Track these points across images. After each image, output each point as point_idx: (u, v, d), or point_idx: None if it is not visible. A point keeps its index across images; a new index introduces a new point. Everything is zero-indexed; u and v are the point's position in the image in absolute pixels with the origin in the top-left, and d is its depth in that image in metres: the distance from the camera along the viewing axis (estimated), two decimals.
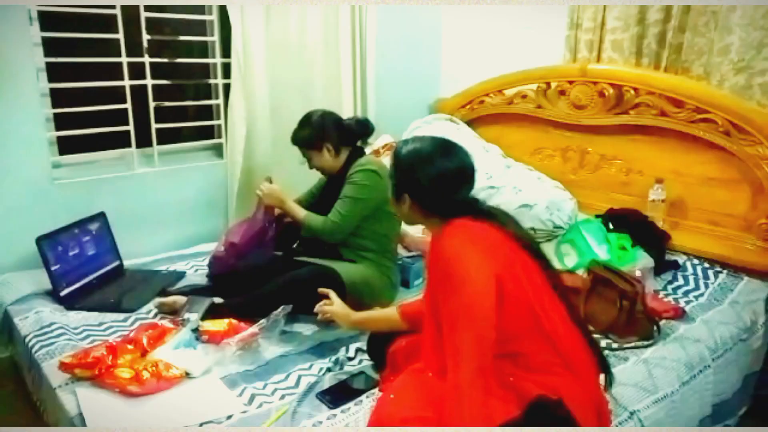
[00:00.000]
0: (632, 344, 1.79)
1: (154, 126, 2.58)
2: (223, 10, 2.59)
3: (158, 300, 2.04)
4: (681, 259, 2.29)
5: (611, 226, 2.32)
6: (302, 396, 1.55)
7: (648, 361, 1.69)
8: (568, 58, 2.82)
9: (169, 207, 2.67)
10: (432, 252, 1.37)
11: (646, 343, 1.79)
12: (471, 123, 3.14)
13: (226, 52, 2.67)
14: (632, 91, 2.50)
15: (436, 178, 1.35)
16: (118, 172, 2.53)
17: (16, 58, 2.15)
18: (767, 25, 2.17)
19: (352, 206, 2.09)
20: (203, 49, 2.76)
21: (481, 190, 2.51)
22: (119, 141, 2.54)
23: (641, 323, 1.83)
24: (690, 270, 2.23)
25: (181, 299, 2.03)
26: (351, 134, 2.21)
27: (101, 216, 2.37)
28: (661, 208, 2.43)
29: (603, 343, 1.79)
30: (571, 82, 2.71)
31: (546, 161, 2.90)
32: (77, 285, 2.16)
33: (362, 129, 2.24)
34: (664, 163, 2.48)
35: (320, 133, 2.15)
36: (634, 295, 1.82)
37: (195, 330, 1.82)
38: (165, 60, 2.57)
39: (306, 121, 2.20)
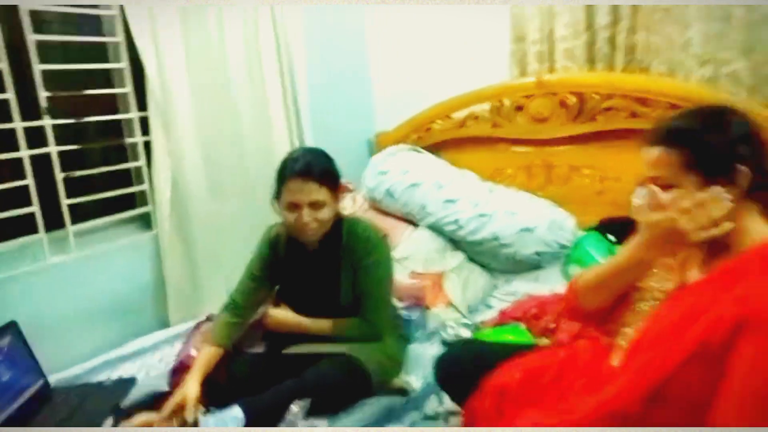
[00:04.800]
0: None
1: (65, 202, 2.08)
2: (134, 56, 2.17)
3: (124, 426, 1.54)
4: None
5: (613, 239, 2.16)
6: None
7: None
8: (515, 72, 2.69)
9: (95, 300, 2.16)
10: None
11: None
12: None
13: (141, 104, 2.26)
14: (596, 97, 2.41)
15: None
16: (25, 266, 2.00)
17: None
18: (725, 15, 2.16)
19: (388, 291, 1.76)
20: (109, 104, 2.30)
21: (471, 219, 2.28)
22: (21, 227, 2.01)
23: None
24: None
25: (154, 417, 1.55)
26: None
27: (11, 327, 1.81)
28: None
29: None
30: (528, 97, 2.58)
31: (508, 181, 2.71)
32: None
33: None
34: (640, 166, 2.38)
35: (336, 170, 1.72)
36: None
37: None
38: (72, 120, 2.09)
39: (316, 151, 1.74)
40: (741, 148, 1.07)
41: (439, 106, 2.86)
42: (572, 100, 2.46)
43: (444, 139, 2.87)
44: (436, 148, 2.89)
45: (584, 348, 1.35)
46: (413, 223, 2.49)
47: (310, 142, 2.83)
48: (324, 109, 2.90)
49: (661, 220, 1.10)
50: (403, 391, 1.70)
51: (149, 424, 1.53)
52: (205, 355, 1.69)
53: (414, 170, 2.53)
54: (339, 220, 1.77)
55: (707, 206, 1.05)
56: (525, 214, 2.26)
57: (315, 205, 1.65)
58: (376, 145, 3.09)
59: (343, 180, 2.65)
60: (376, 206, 2.55)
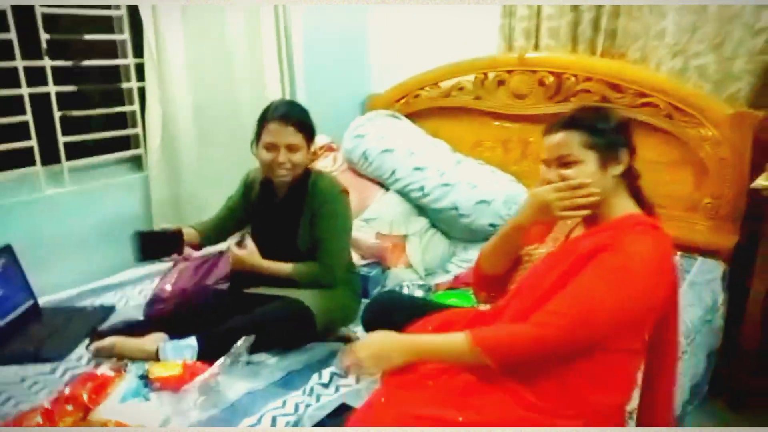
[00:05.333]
0: None
1: (61, 139, 2.25)
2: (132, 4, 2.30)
3: (94, 345, 1.75)
4: None
5: None
6: None
7: None
8: (503, 47, 2.77)
9: (86, 231, 2.35)
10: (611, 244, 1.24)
11: None
12: (407, 118, 3.01)
13: (139, 51, 2.39)
14: (573, 79, 2.49)
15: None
16: (22, 195, 2.19)
17: None
18: (700, 9, 2.21)
19: (344, 241, 1.93)
20: (110, 50, 2.44)
21: (435, 188, 2.42)
22: (20, 159, 2.18)
23: None
24: None
25: (123, 341, 1.75)
26: None
27: (6, 250, 2.02)
28: None
29: None
30: (510, 72, 2.66)
31: (487, 153, 2.83)
32: None
33: None
34: None
35: (311, 121, 1.91)
36: None
37: (142, 377, 1.58)
38: (70, 63, 2.24)
39: (296, 103, 2.01)
40: (621, 135, 1.33)
41: (428, 73, 2.95)
42: (550, 79, 2.54)
43: (430, 106, 2.98)
44: (422, 115, 3.00)
45: (491, 311, 1.52)
46: (385, 187, 2.63)
47: (303, 99, 2.95)
48: (319, 69, 3.01)
49: (537, 194, 1.34)
50: (348, 339, 1.88)
51: (113, 348, 1.72)
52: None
53: (389, 136, 2.66)
54: (308, 173, 1.95)
55: (575, 192, 1.28)
56: (484, 187, 2.39)
57: (291, 148, 1.84)
58: (368, 106, 3.20)
59: (328, 140, 2.83)
60: (352, 167, 2.68)
